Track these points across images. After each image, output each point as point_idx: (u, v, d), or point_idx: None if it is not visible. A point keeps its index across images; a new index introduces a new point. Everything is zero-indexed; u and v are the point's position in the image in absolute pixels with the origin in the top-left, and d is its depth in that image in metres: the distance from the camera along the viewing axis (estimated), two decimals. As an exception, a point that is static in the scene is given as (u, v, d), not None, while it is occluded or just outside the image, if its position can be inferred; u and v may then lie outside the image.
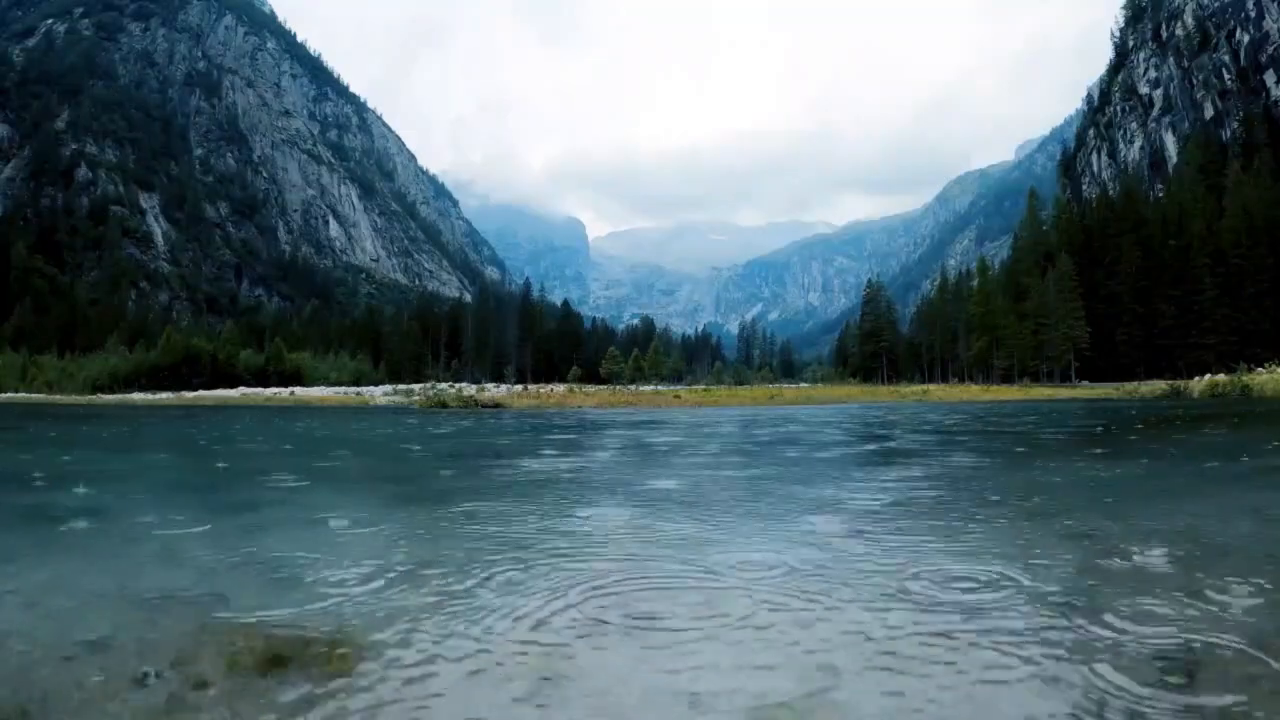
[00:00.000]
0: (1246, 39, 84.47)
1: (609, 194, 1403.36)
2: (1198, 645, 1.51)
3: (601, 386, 45.68)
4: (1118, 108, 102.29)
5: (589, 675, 1.40)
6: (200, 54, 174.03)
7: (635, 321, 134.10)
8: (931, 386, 42.55)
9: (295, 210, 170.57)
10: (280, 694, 1.31)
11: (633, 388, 42.69)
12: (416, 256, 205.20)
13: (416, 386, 37.11)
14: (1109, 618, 1.70)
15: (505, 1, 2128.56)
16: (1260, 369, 24.10)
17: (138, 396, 38.54)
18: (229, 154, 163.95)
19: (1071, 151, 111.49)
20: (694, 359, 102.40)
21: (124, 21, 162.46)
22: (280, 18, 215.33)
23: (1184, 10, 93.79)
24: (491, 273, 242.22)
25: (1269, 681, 1.34)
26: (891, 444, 8.11)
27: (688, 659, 1.48)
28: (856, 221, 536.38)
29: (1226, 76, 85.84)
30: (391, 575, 2.20)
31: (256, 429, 12.44)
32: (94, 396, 41.24)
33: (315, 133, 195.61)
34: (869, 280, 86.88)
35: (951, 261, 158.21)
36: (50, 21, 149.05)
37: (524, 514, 3.37)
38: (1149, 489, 4.20)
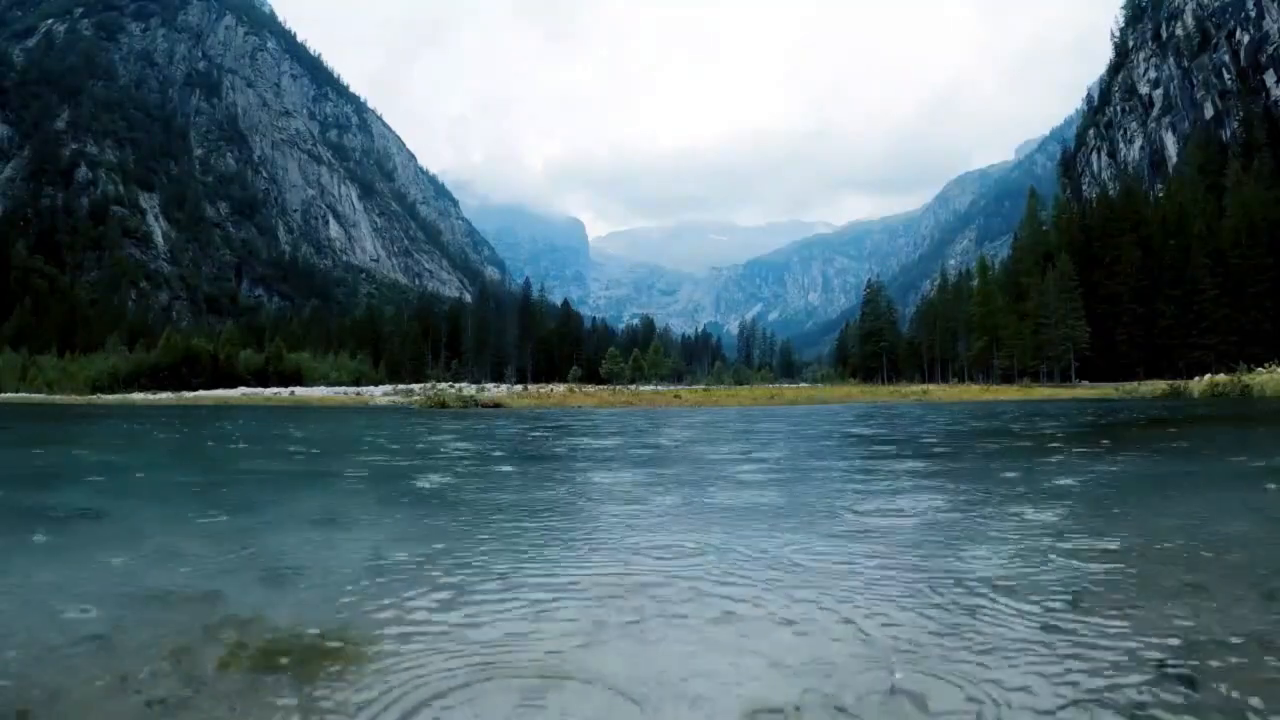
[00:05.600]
0: (1246, 39, 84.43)
1: (609, 194, 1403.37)
2: (1199, 643, 1.52)
3: (602, 386, 45.69)
4: (1118, 108, 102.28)
5: (589, 675, 1.40)
6: (200, 54, 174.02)
7: (635, 321, 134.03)
8: (931, 386, 42.55)
9: (295, 210, 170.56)
10: (280, 694, 1.31)
11: (633, 388, 42.69)
12: (416, 256, 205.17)
13: (416, 386, 37.09)
14: (1110, 615, 1.70)
15: (505, 1, 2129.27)
16: (1260, 369, 24.05)
17: (138, 397, 38.53)
18: (229, 154, 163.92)
19: (1071, 151, 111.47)
20: (694, 359, 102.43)
21: (124, 21, 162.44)
22: (280, 18, 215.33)
23: (1184, 10, 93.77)
24: (491, 273, 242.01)
25: (1270, 680, 1.34)
26: (896, 444, 8.11)
27: (688, 659, 1.47)
28: (857, 221, 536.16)
29: (1226, 76, 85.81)
30: (391, 575, 2.20)
31: (257, 431, 12.44)
32: (94, 396, 41.22)
33: (315, 133, 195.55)
34: (869, 280, 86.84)
35: (951, 261, 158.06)
36: (50, 21, 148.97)
37: (526, 519, 3.37)
38: (1148, 487, 4.20)
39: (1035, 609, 1.77)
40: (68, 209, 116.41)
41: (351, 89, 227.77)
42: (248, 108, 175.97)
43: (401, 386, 40.46)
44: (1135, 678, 1.35)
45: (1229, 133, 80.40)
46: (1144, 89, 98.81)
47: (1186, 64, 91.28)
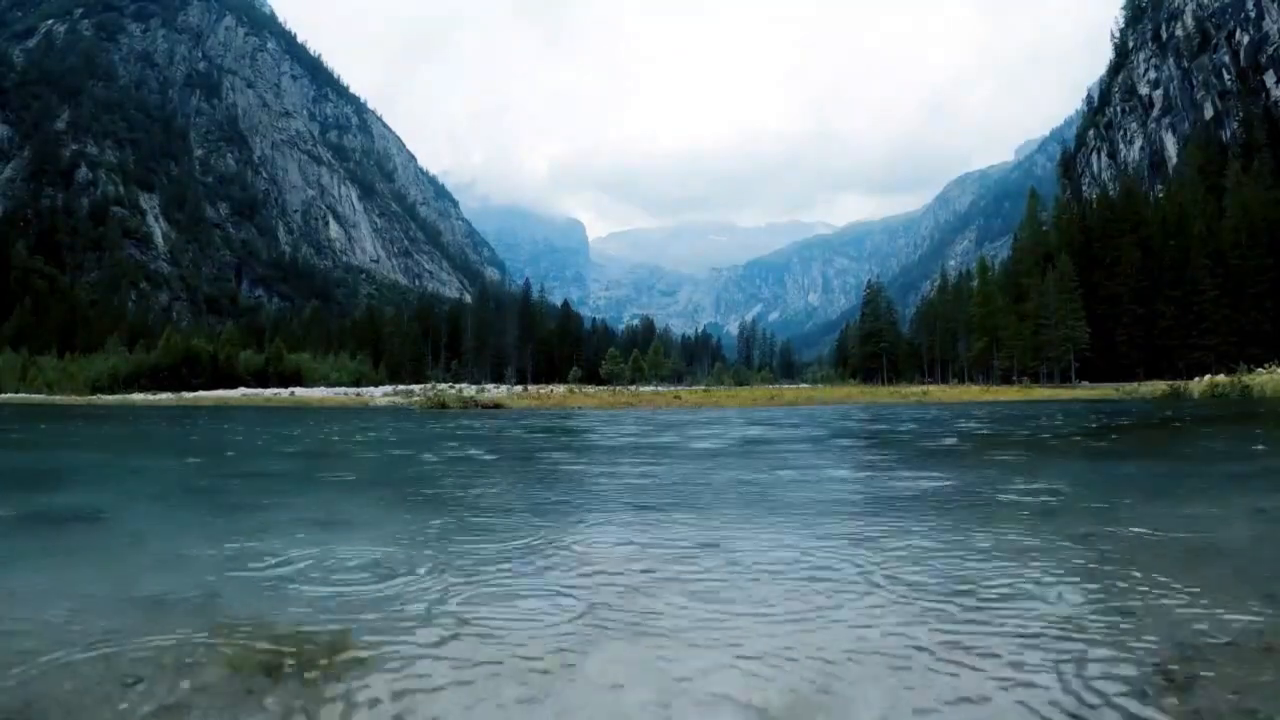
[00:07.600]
0: (1246, 39, 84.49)
1: (609, 195, 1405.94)
2: (1200, 643, 1.52)
3: (602, 387, 45.69)
4: (1118, 108, 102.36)
5: (590, 675, 1.40)
6: (200, 55, 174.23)
7: (635, 322, 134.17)
8: (931, 387, 42.59)
9: (295, 211, 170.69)
10: (280, 696, 1.30)
11: (633, 388, 42.68)
12: (416, 257, 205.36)
13: (417, 387, 37.09)
14: (1110, 615, 1.71)
15: (505, 2, 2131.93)
16: (1260, 369, 24.02)
17: (138, 397, 38.54)
18: (229, 154, 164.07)
19: (1071, 152, 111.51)
20: (694, 359, 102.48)
21: (124, 22, 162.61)
22: (281, 18, 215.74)
23: (1184, 11, 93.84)
24: (491, 273, 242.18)
25: (1270, 681, 1.34)
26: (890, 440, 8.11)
27: (689, 659, 1.47)
28: (857, 222, 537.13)
29: (1226, 77, 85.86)
30: (391, 577, 2.19)
31: (256, 432, 12.44)
32: (93, 397, 41.23)
33: (315, 133, 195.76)
34: (869, 281, 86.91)
35: (951, 262, 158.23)
36: (50, 22, 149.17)
37: (526, 520, 3.36)
38: (1149, 488, 4.19)
39: (1034, 609, 1.77)
40: (68, 209, 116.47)
41: (352, 90, 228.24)
42: (248, 108, 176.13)
43: (401, 387, 40.47)
44: (1135, 678, 1.34)
45: (1229, 133, 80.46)
46: (1144, 89, 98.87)
47: (1186, 64, 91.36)
